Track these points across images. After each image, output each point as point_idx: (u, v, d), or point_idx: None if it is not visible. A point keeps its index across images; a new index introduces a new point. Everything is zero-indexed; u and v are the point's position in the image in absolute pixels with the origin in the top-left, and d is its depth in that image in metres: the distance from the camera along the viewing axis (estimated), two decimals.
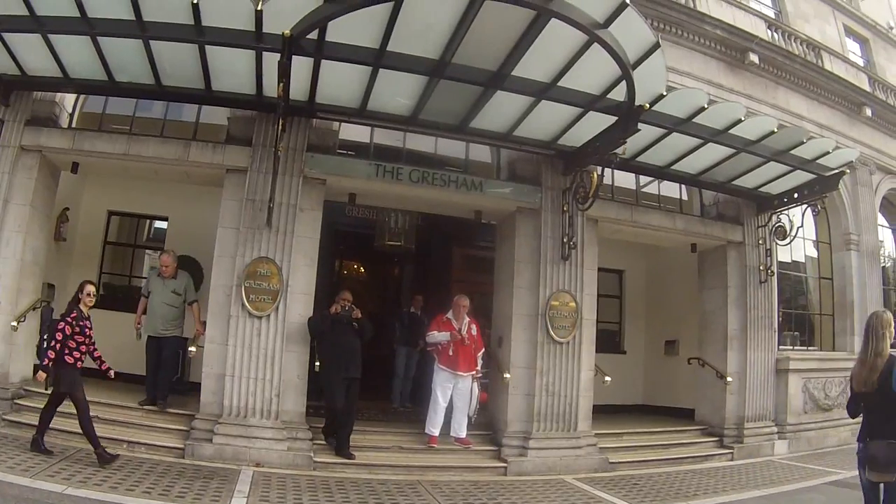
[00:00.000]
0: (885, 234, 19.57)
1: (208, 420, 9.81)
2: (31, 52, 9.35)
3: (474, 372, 11.14)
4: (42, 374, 8.46)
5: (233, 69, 9.44)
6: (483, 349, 11.45)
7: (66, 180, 11.54)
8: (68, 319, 8.52)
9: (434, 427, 10.82)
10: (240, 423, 9.76)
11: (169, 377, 10.94)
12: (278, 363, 10.09)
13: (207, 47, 8.80)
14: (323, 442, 10.38)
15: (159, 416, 10.24)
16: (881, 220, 19.05)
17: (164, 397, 10.58)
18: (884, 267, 19.10)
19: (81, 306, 8.76)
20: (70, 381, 8.35)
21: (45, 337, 9.77)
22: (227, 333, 10.10)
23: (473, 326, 11.23)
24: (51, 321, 10.13)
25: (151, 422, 10.05)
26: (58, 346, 8.34)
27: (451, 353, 10.97)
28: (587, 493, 9.81)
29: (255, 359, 10.02)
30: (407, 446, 10.77)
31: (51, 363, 8.30)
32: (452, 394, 10.96)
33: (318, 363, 10.54)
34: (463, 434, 11.03)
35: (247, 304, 10.09)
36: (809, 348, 16.45)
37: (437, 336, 11.01)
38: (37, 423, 8.51)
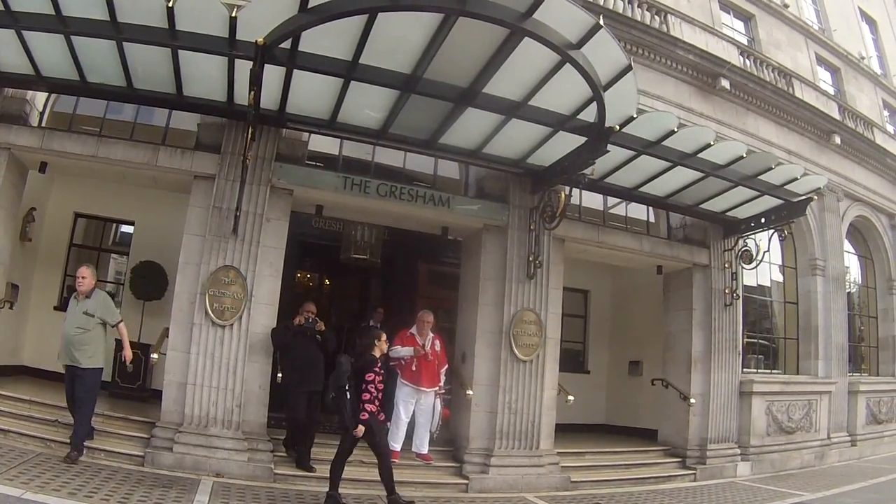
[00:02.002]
0: (850, 260, 19.83)
1: (169, 428, 9.71)
2: (4, 48, 9.21)
3: (437, 388, 11.10)
4: (361, 429, 8.52)
5: (205, 75, 9.42)
6: (446, 365, 11.42)
7: (33, 180, 11.40)
8: (376, 370, 8.78)
9: (395, 442, 10.75)
10: (200, 432, 9.68)
11: (86, 420, 8.97)
12: (240, 373, 10.01)
13: (180, 52, 8.77)
14: (284, 454, 10.32)
15: (120, 423, 10.14)
16: (847, 246, 19.30)
17: (78, 446, 8.76)
18: (849, 293, 19.36)
19: (377, 352, 8.96)
20: (382, 431, 8.85)
21: (347, 388, 8.62)
22: (190, 341, 10.00)
23: (437, 342, 11.21)
24: (342, 371, 8.76)
25: (112, 428, 9.92)
26: (376, 399, 8.65)
27: (413, 369, 10.93)
28: None
29: (218, 368, 9.94)
30: (368, 460, 10.53)
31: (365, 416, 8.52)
32: (415, 409, 10.94)
33: (280, 374, 10.48)
34: (424, 450, 10.99)
35: (210, 312, 10.01)
36: (773, 371, 16.62)
37: (400, 351, 10.94)
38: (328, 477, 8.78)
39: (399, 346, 10.97)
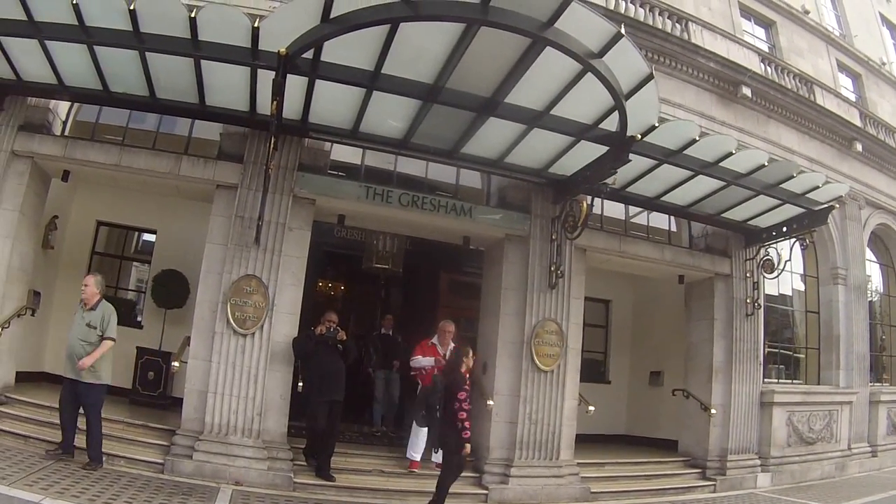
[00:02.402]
0: (872, 268, 19.68)
1: (189, 436, 9.73)
2: (28, 58, 9.33)
3: None
4: (469, 448, 9.00)
5: (227, 85, 9.46)
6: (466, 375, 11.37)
7: (56, 188, 11.51)
8: (466, 388, 9.06)
9: (415, 452, 10.77)
10: (221, 440, 9.68)
11: (97, 433, 8.79)
12: (261, 382, 10.01)
13: (203, 62, 8.82)
14: (304, 463, 10.30)
15: (140, 430, 10.17)
16: (869, 254, 19.16)
17: (96, 458, 8.73)
18: (871, 301, 19.19)
19: (464, 370, 9.26)
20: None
21: (438, 406, 9.06)
22: (211, 350, 10.01)
23: None
24: (436, 389, 9.23)
25: (132, 435, 9.95)
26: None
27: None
28: None
29: (239, 377, 9.94)
30: (388, 470, 10.72)
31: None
32: None
33: (301, 383, 10.50)
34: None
35: (232, 321, 10.02)
36: (794, 382, 16.55)
37: (421, 361, 10.97)
38: (435, 493, 9.09)
39: (420, 357, 11.00)
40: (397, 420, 13.34)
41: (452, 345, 11.08)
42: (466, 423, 8.79)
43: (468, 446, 8.91)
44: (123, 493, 7.83)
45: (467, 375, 9.33)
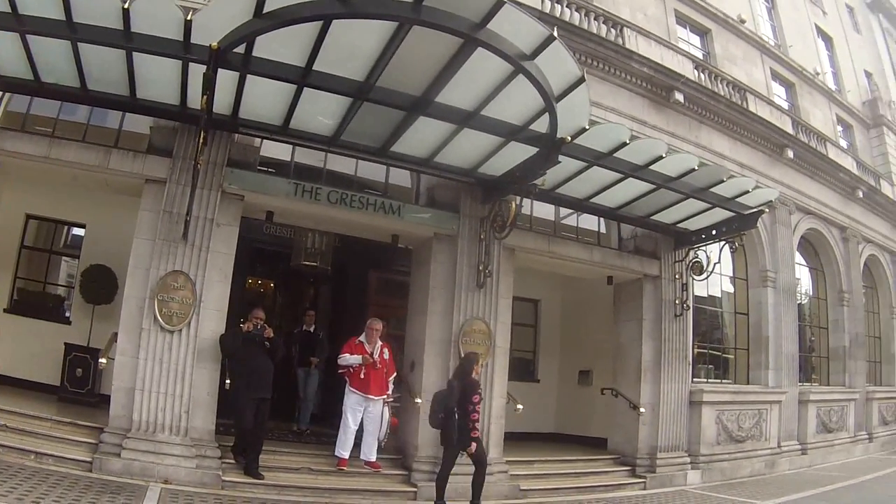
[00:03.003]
0: (802, 271, 20.24)
1: (117, 434, 9.57)
2: None
3: (385, 396, 11.13)
4: (475, 446, 9.79)
5: (158, 78, 9.34)
6: (395, 373, 11.45)
7: None
8: (479, 391, 10.10)
9: (344, 450, 10.75)
10: (149, 438, 9.55)
11: None
12: (189, 379, 9.91)
13: (135, 54, 8.69)
14: (232, 461, 10.20)
15: (69, 428, 9.96)
16: (799, 258, 19.70)
17: None
18: (800, 304, 19.71)
19: (475, 375, 10.12)
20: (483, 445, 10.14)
21: (455, 408, 9.83)
22: (139, 346, 9.86)
23: (386, 350, 11.24)
24: (453, 393, 9.97)
25: (61, 433, 9.76)
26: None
27: (362, 377, 10.91)
28: None
29: (166, 374, 9.82)
30: (317, 468, 10.65)
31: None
32: (363, 417, 10.92)
33: (228, 381, 10.39)
34: (373, 458, 10.98)
35: (159, 317, 9.90)
36: (724, 381, 16.84)
37: (348, 359, 10.93)
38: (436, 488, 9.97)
39: (347, 354, 10.96)
40: (317, 418, 13.33)
41: (380, 343, 11.13)
42: (477, 424, 9.86)
43: (474, 445, 9.78)
44: (51, 492, 7.71)
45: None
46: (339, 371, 11.14)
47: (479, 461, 10.00)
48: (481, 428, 11.15)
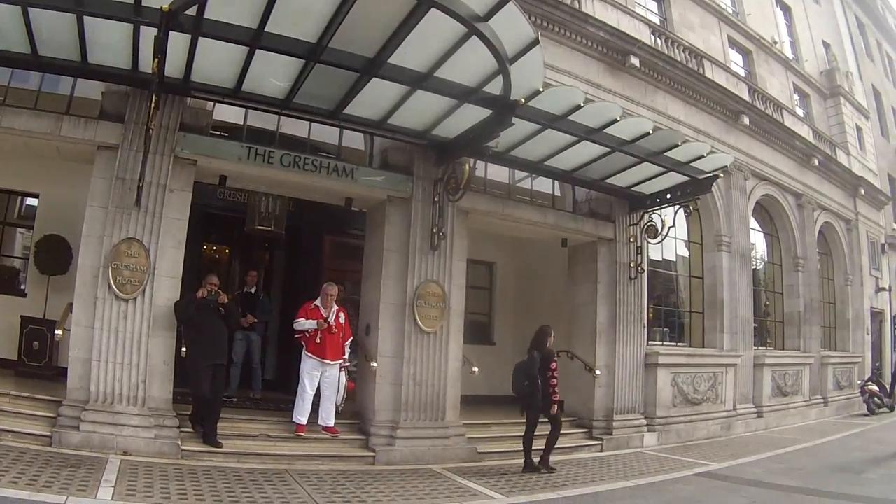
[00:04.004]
0: (757, 237, 20.55)
1: (75, 406, 9.46)
2: None
3: (342, 360, 11.14)
4: (555, 408, 11.09)
5: (110, 42, 9.20)
6: (351, 338, 11.44)
7: None
8: (556, 359, 11.36)
9: (301, 416, 10.77)
10: (106, 409, 9.46)
11: None
12: (145, 348, 9.82)
13: (86, 18, 8.56)
14: (190, 430, 10.15)
15: (27, 403, 9.84)
16: (754, 224, 19.99)
17: None
18: (755, 269, 20.04)
19: (549, 345, 11.25)
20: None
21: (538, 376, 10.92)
22: (94, 316, 9.75)
23: (342, 314, 11.23)
24: (534, 362, 10.99)
25: (19, 408, 9.62)
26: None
27: (318, 342, 10.90)
28: (455, 482, 9.98)
29: (122, 343, 9.72)
30: (275, 435, 10.66)
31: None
32: (320, 382, 10.92)
33: (184, 349, 10.29)
34: (331, 423, 10.99)
35: (113, 286, 9.77)
36: (679, 344, 17.04)
37: (304, 323, 10.92)
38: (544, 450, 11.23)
39: (303, 319, 10.95)
40: (274, 384, 13.35)
41: (336, 307, 11.12)
42: (556, 389, 11.06)
43: (555, 406, 11.04)
44: (12, 468, 7.62)
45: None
46: (296, 336, 11.12)
47: (556, 422, 11.26)
48: (438, 391, 11.44)
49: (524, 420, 11.14)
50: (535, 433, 11.16)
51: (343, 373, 11.21)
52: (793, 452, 14.32)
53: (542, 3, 13.86)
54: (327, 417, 10.99)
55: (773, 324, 21.09)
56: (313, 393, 10.89)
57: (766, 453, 13.96)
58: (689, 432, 15.32)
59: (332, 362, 10.96)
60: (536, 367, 10.88)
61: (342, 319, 11.19)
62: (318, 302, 11.12)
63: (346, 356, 11.33)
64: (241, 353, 12.43)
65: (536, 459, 11.10)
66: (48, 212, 13.04)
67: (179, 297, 10.30)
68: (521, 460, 11.18)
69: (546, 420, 11.20)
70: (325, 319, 10.91)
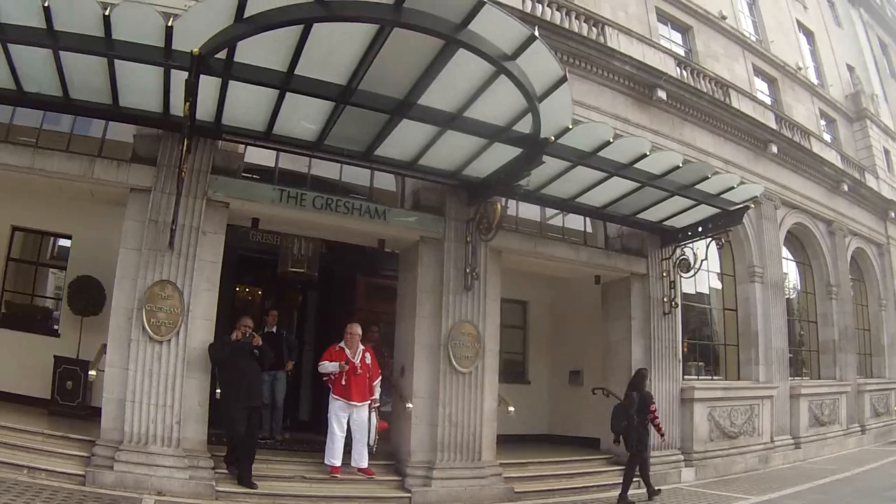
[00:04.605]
0: (789, 266, 20.32)
1: (109, 446, 9.46)
2: None
3: (370, 401, 11.04)
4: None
5: (141, 85, 9.28)
6: (380, 377, 11.34)
7: None
8: (653, 400, 12.20)
9: (334, 458, 10.66)
10: (141, 450, 9.45)
11: None
12: (179, 389, 9.82)
13: (116, 62, 8.63)
14: (225, 470, 10.10)
15: (61, 442, 9.86)
16: (786, 253, 19.77)
17: None
18: (788, 298, 19.79)
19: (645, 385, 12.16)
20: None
21: (634, 413, 11.71)
22: (128, 358, 9.76)
23: (368, 354, 11.14)
24: (635, 403, 11.77)
25: (52, 447, 9.65)
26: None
27: (343, 383, 10.82)
28: None
29: (156, 384, 9.73)
30: (310, 476, 10.58)
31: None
32: (349, 424, 10.80)
33: (218, 390, 10.27)
34: (364, 464, 10.85)
35: (147, 327, 9.79)
36: (714, 378, 16.86)
37: (326, 366, 10.86)
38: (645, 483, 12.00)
39: (326, 362, 10.91)
40: (307, 425, 13.28)
41: (362, 347, 11.05)
42: (661, 426, 12.21)
43: (662, 438, 12.54)
44: None
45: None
46: (323, 378, 11.09)
47: (643, 461, 11.92)
48: (474, 431, 11.43)
49: (561, 458, 11.12)
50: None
51: (374, 413, 11.08)
52: (831, 483, 14.13)
53: (568, 40, 13.96)
54: (360, 458, 10.84)
55: (808, 353, 20.84)
56: (343, 434, 10.77)
57: (805, 485, 13.77)
58: (726, 466, 15.07)
59: (359, 404, 10.84)
60: (635, 408, 11.62)
61: (368, 360, 11.09)
62: (343, 343, 11.03)
63: (376, 396, 11.20)
64: (268, 395, 12.29)
65: (630, 491, 11.82)
66: (81, 253, 13.11)
67: (214, 338, 10.32)
68: (557, 499, 11.33)
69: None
70: (348, 360, 10.84)
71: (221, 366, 10.19)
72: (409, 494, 10.75)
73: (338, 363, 10.81)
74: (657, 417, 11.99)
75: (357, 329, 11.09)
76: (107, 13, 7.68)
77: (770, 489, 13.20)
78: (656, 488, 12.04)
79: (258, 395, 10.37)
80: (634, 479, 11.84)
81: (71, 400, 11.91)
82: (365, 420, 10.87)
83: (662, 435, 12.29)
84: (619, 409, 11.86)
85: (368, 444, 10.93)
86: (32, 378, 12.18)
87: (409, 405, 11.39)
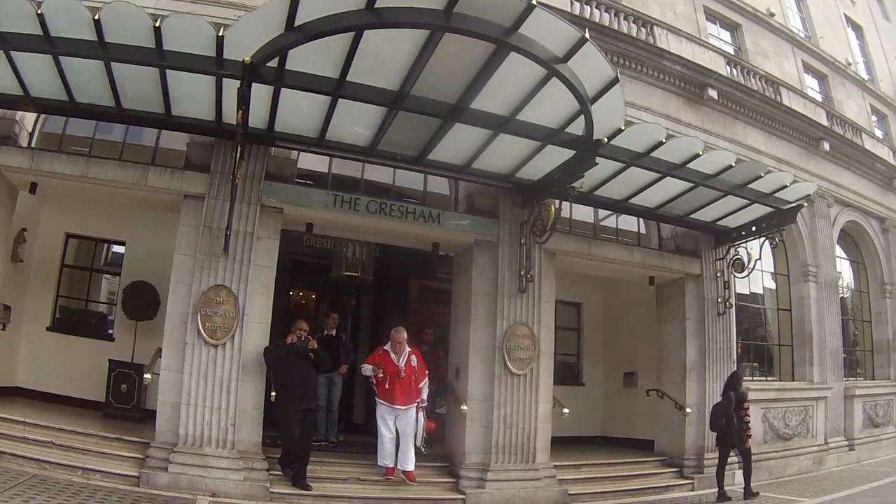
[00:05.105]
0: (843, 265, 19.94)
1: (164, 448, 9.62)
2: None
3: (416, 403, 10.85)
4: (750, 443, 12.41)
5: (192, 94, 9.41)
6: (426, 379, 11.10)
7: (24, 200, 11.37)
8: (748, 400, 12.57)
9: (386, 459, 10.65)
10: (195, 451, 9.60)
11: None
12: (234, 392, 9.94)
13: (168, 72, 8.75)
14: (279, 472, 10.20)
15: (115, 444, 10.03)
16: (839, 251, 19.43)
17: None
18: (842, 297, 19.43)
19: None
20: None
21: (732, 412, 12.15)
22: (183, 361, 9.93)
23: (414, 357, 10.99)
24: (731, 403, 12.23)
25: (107, 449, 9.82)
26: None
27: (387, 387, 10.75)
28: None
29: (211, 387, 9.87)
30: (365, 478, 10.62)
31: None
32: (395, 426, 10.71)
33: (273, 393, 10.37)
34: (409, 467, 10.67)
35: (203, 331, 9.95)
36: (769, 379, 16.64)
37: (365, 369, 10.92)
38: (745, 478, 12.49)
39: (366, 364, 10.96)
40: (361, 428, 13.33)
41: (408, 350, 10.92)
42: (750, 425, 12.38)
43: (749, 440, 12.30)
44: None
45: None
46: (369, 381, 11.14)
47: (748, 455, 12.36)
48: (528, 433, 11.37)
49: (615, 460, 11.04)
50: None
51: (421, 414, 10.91)
52: (886, 486, 13.93)
53: (618, 41, 13.92)
54: (405, 461, 10.67)
55: (862, 353, 20.47)
56: (392, 436, 10.71)
57: (859, 487, 13.61)
58: (780, 468, 14.85)
59: (403, 407, 10.71)
60: (733, 407, 12.02)
61: (414, 363, 10.96)
62: (388, 346, 10.96)
63: (423, 397, 11.01)
64: (325, 397, 12.32)
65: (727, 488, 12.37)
66: (135, 258, 13.40)
67: (269, 342, 10.40)
68: (611, 501, 11.39)
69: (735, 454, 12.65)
70: (381, 365, 10.81)
71: (276, 369, 10.27)
72: (462, 496, 10.79)
73: (372, 366, 10.82)
74: (748, 417, 12.33)
75: (402, 335, 10.96)
76: (157, 24, 7.78)
77: (823, 491, 13.06)
78: (755, 491, 12.43)
79: (313, 398, 10.43)
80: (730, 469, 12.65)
81: (125, 403, 12.17)
82: (410, 423, 10.76)
83: (748, 435, 12.35)
84: (718, 408, 12.32)
85: (416, 446, 10.82)
86: (87, 381, 12.45)
87: (464, 407, 11.38)
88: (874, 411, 18.52)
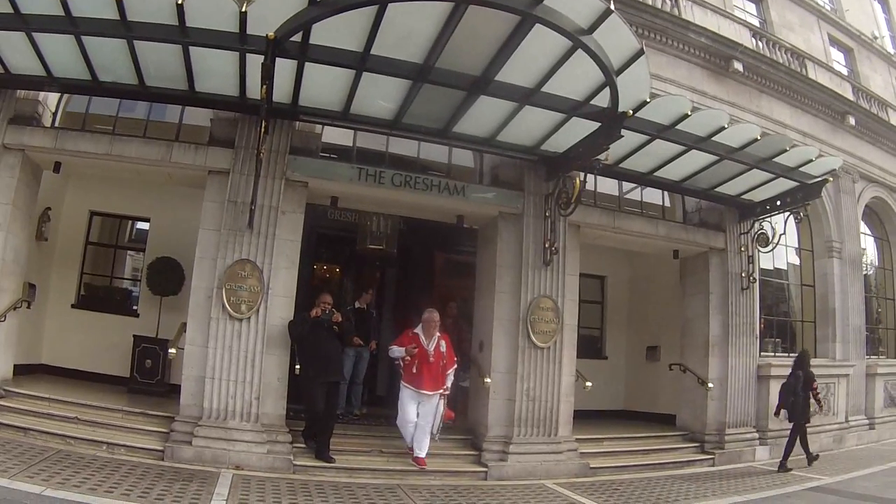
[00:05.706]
0: (867, 241, 19.71)
1: (188, 422, 9.72)
2: (15, 51, 9.29)
3: (441, 390, 10.62)
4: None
5: (216, 70, 9.42)
6: (454, 367, 10.91)
7: (48, 180, 11.44)
8: (815, 378, 13.29)
9: (409, 438, 10.57)
10: (219, 425, 9.69)
11: None
12: (258, 366, 10.02)
13: (191, 48, 8.78)
14: (303, 445, 10.28)
15: (140, 419, 10.15)
16: (864, 227, 19.20)
17: None
18: (866, 275, 19.22)
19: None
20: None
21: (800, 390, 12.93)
22: (208, 335, 10.02)
23: (444, 342, 10.75)
24: (799, 381, 13.00)
25: (132, 423, 9.94)
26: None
27: (414, 371, 10.51)
28: (567, 497, 9.84)
29: (236, 361, 9.95)
30: (387, 450, 10.71)
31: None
32: (418, 410, 10.49)
33: (297, 366, 10.37)
34: (422, 454, 10.46)
35: (227, 306, 10.01)
36: (791, 355, 16.41)
37: (395, 351, 10.68)
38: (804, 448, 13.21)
39: (395, 346, 10.75)
40: (383, 400, 13.40)
41: (438, 335, 10.73)
42: (822, 400, 13.48)
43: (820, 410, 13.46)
44: (124, 481, 7.83)
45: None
46: (395, 362, 11.01)
47: (804, 433, 13.12)
48: (551, 406, 11.42)
49: (637, 434, 11.64)
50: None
51: (442, 401, 10.66)
52: None
53: (643, 12, 13.74)
54: (419, 448, 10.47)
55: (885, 331, 20.29)
56: (414, 422, 10.48)
57: (879, 466, 13.61)
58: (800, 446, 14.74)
59: (430, 392, 10.46)
60: (800, 385, 12.81)
61: (444, 348, 10.72)
62: (419, 329, 10.74)
63: (448, 385, 10.79)
64: (350, 370, 12.34)
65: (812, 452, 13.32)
66: (159, 235, 13.50)
67: (293, 315, 10.44)
68: (631, 475, 11.57)
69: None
70: (415, 346, 10.56)
71: (301, 342, 10.29)
72: (485, 469, 10.81)
73: (405, 348, 10.55)
74: (818, 392, 13.22)
75: (435, 316, 10.79)
76: (179, 2, 7.76)
77: (843, 469, 13.05)
78: (814, 454, 13.25)
79: (337, 371, 10.50)
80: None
81: (150, 378, 12.28)
82: (432, 410, 10.53)
83: (822, 407, 13.49)
84: (786, 385, 13.07)
85: (432, 433, 10.64)
86: (112, 357, 12.60)
87: (488, 380, 11.38)
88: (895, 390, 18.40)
